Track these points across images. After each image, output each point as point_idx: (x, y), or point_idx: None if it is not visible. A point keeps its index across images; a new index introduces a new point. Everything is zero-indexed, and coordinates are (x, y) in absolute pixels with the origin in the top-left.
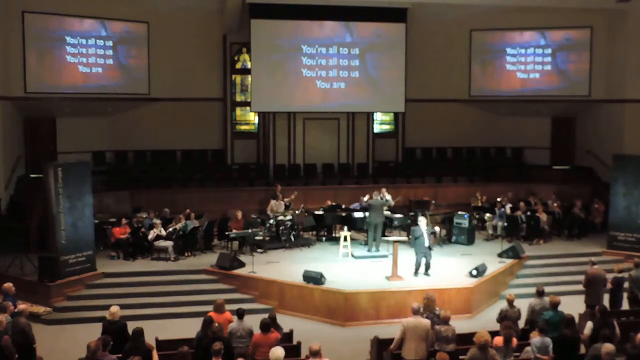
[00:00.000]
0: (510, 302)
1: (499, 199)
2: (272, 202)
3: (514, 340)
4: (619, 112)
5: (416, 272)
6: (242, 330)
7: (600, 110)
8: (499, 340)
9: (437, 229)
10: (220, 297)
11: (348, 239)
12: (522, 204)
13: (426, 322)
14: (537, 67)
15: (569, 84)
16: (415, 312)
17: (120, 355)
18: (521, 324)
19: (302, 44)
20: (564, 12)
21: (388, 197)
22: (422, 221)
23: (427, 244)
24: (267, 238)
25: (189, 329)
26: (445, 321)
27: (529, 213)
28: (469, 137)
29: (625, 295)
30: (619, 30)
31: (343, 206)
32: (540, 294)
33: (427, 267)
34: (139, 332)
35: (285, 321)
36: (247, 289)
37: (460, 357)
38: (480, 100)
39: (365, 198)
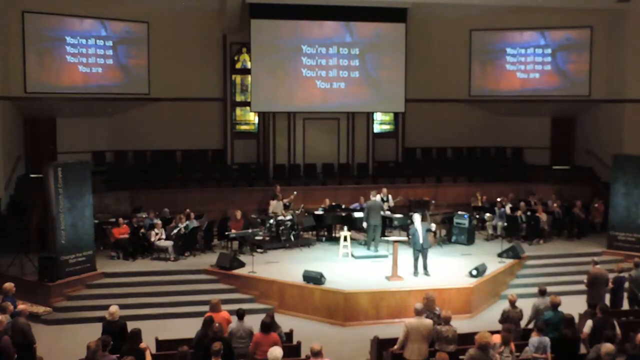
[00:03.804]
0: (512, 303)
1: (499, 199)
2: (272, 202)
3: (512, 344)
4: (619, 112)
5: (415, 272)
6: (242, 330)
7: (600, 110)
8: (496, 338)
9: (433, 226)
10: (221, 297)
11: (348, 239)
12: (522, 204)
13: (428, 322)
14: (537, 67)
15: (569, 84)
16: (418, 313)
17: (119, 355)
18: (523, 323)
19: (302, 44)
20: (564, 12)
21: (389, 197)
22: (416, 218)
23: (421, 241)
24: (267, 238)
25: (189, 329)
26: (447, 321)
27: (529, 213)
28: (469, 137)
29: (625, 295)
30: (619, 30)
31: (343, 206)
32: (542, 293)
33: (425, 266)
34: (137, 333)
35: (285, 321)
36: (247, 289)
37: (460, 357)
38: (480, 100)
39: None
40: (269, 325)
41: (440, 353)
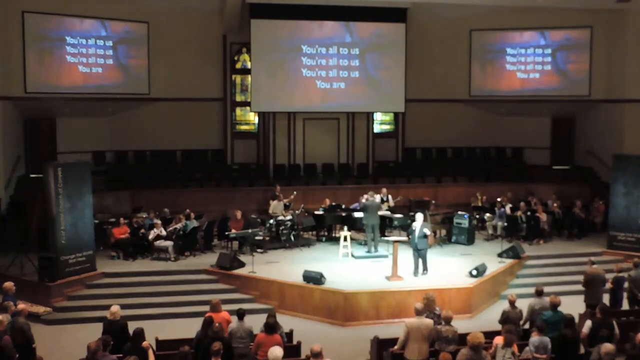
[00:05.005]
0: (512, 303)
1: (499, 199)
2: (272, 202)
3: (515, 346)
4: (619, 112)
5: (415, 272)
6: (242, 330)
7: (600, 110)
8: (499, 339)
9: (427, 231)
10: (221, 297)
11: (348, 239)
12: (522, 204)
13: (429, 322)
14: (537, 67)
15: (569, 84)
16: (419, 313)
17: (120, 355)
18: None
19: (302, 44)
20: (564, 12)
21: (389, 197)
22: (418, 218)
23: (416, 241)
24: (267, 238)
25: (189, 329)
26: (447, 321)
27: (529, 213)
28: (469, 137)
29: (625, 295)
30: (619, 30)
31: (343, 206)
32: (539, 293)
33: (424, 267)
34: (139, 333)
35: (285, 321)
36: (247, 289)
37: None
38: (480, 100)
39: (365, 197)
40: (273, 326)
41: (444, 353)
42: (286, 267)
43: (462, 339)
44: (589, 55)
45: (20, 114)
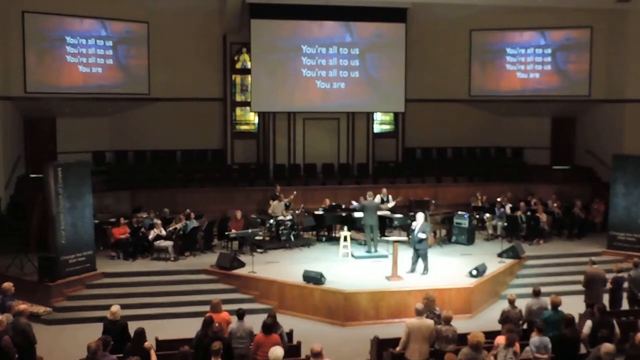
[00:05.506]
0: (512, 303)
1: (499, 199)
2: (273, 202)
3: (517, 345)
4: (619, 112)
5: (411, 269)
6: (242, 330)
7: (600, 110)
8: (500, 339)
9: (424, 235)
10: (221, 297)
11: (348, 239)
12: (522, 204)
13: (430, 322)
14: (537, 67)
15: (569, 84)
16: (419, 313)
17: (120, 355)
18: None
19: (302, 44)
20: (564, 12)
21: (389, 198)
22: (418, 217)
23: (415, 240)
24: (267, 238)
25: (189, 329)
26: (447, 321)
27: (529, 213)
28: (469, 137)
29: (625, 295)
30: (619, 30)
31: (343, 206)
32: (536, 294)
33: (425, 267)
34: (141, 333)
35: (285, 321)
36: (247, 289)
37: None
38: (480, 100)
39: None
40: (270, 327)
41: (449, 354)
42: (286, 267)
43: (462, 338)
44: (589, 55)
45: (20, 114)
